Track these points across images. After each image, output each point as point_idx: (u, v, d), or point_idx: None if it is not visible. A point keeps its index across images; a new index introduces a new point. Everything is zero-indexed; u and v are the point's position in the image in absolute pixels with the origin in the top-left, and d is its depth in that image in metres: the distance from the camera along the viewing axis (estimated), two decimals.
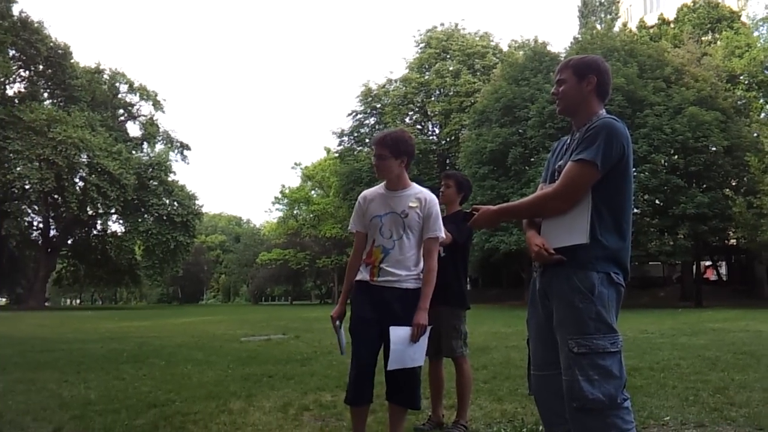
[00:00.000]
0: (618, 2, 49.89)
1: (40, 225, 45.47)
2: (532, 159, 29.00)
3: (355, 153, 47.47)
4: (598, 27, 39.82)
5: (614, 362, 2.42)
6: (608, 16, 46.52)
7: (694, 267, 31.97)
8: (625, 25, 43.19)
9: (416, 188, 3.56)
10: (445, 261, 4.26)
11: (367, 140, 49.17)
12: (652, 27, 41.35)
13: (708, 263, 39.64)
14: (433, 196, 3.58)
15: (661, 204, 27.18)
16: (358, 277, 3.50)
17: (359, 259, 3.53)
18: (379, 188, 3.61)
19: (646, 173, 25.87)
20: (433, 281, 3.45)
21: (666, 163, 26.77)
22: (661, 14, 42.63)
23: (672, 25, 39.66)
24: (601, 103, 2.67)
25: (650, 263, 34.72)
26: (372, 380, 3.42)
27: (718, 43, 35.88)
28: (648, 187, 26.01)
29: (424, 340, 3.37)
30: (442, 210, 4.67)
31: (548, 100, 25.05)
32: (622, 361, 2.46)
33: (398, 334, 3.28)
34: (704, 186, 27.65)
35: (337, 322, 3.47)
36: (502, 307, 27.71)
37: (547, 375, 2.62)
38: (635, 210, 27.85)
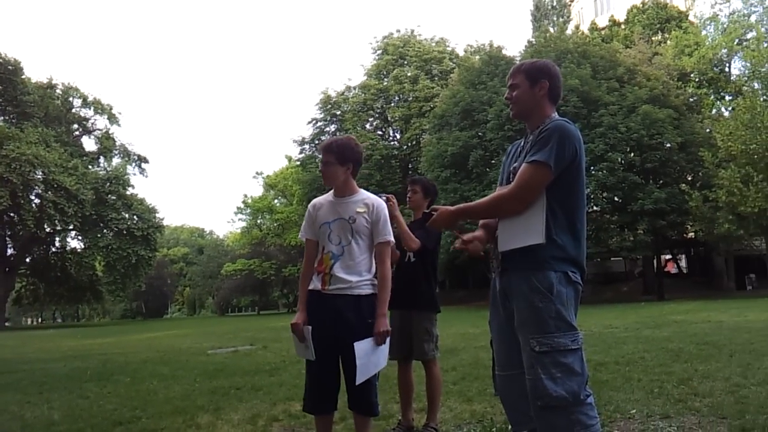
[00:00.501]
0: (569, 5, 50.87)
1: None
2: (493, 161, 29.30)
3: (317, 161, 47.28)
4: (551, 30, 40.48)
5: (576, 359, 2.46)
6: (560, 19, 47.40)
7: (655, 261, 32.68)
8: (577, 27, 44.03)
9: (364, 194, 3.57)
10: (414, 265, 4.36)
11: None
12: (603, 29, 42.24)
13: (668, 257, 40.56)
14: (381, 201, 3.59)
15: (620, 201, 27.71)
16: (310, 287, 3.48)
17: (311, 267, 3.52)
18: (328, 195, 3.61)
19: (604, 171, 26.37)
20: (389, 286, 3.46)
21: (623, 161, 27.34)
22: (612, 16, 43.56)
23: (623, 26, 40.57)
24: (553, 106, 2.73)
25: (612, 259, 35.37)
26: (331, 389, 3.42)
27: (668, 42, 36.83)
28: (606, 185, 26.51)
29: (385, 345, 3.38)
30: (409, 215, 4.71)
31: (505, 104, 25.33)
32: (583, 358, 2.50)
33: (362, 348, 3.26)
34: (661, 182, 28.31)
35: (304, 327, 3.40)
36: (469, 308, 27.89)
37: (511, 375, 2.66)
38: (595, 207, 28.41)
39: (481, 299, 32.45)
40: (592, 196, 27.82)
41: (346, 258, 3.41)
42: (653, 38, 37.32)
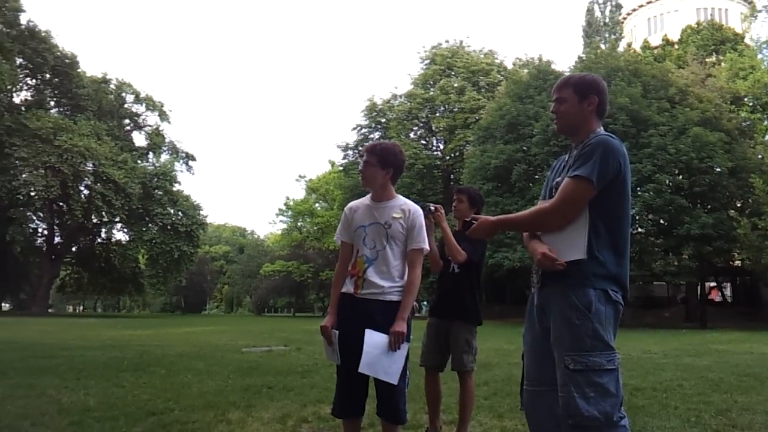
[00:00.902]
0: (622, 22, 50.22)
1: (45, 232, 45.55)
2: (536, 176, 29.03)
3: (360, 166, 47.55)
4: (603, 47, 39.99)
5: (611, 380, 2.41)
6: (612, 36, 46.81)
7: (699, 288, 31.85)
8: (629, 45, 43.42)
9: (401, 200, 3.58)
10: (459, 276, 4.39)
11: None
12: (656, 48, 41.56)
13: (713, 284, 39.47)
14: (418, 208, 3.59)
15: (666, 224, 27.13)
16: (343, 290, 3.50)
17: (345, 270, 3.54)
18: (365, 199, 3.64)
19: (651, 193, 25.85)
20: (415, 293, 3.46)
21: (670, 183, 26.77)
22: (665, 35, 42.84)
23: (676, 46, 39.87)
24: (599, 122, 2.69)
25: (655, 283, 34.60)
26: (360, 394, 3.43)
27: (722, 64, 36.04)
28: (652, 207, 25.98)
29: (401, 357, 3.31)
30: (454, 225, 4.70)
31: (552, 118, 25.14)
32: (619, 379, 2.45)
33: (373, 338, 3.26)
34: (709, 207, 27.61)
35: (334, 331, 3.41)
36: (505, 323, 27.59)
37: (539, 391, 2.62)
38: (640, 229, 27.86)
39: (517, 315, 32.10)
40: (637, 218, 27.28)
41: (380, 263, 3.42)
42: (707, 59, 36.54)
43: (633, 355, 11.48)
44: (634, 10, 53.05)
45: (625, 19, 52.96)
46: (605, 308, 2.47)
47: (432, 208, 3.82)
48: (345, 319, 3.42)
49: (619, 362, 2.48)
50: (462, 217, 4.52)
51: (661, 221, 27.37)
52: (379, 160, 3.49)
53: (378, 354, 3.27)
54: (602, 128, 2.69)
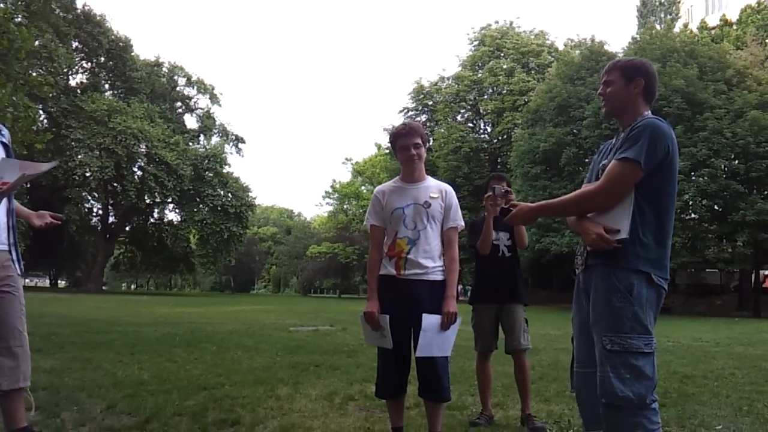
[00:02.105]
0: (679, 2, 48.55)
1: (100, 211, 46.93)
2: (586, 160, 28.46)
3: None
4: (658, 27, 38.79)
5: (647, 363, 2.44)
6: (668, 17, 45.35)
7: (753, 275, 30.91)
8: (685, 26, 41.98)
9: (433, 180, 3.64)
10: (511, 260, 4.47)
11: (424, 135, 49.06)
12: (713, 28, 40.10)
13: (767, 272, 38.26)
14: (451, 188, 3.67)
15: (720, 210, 26.33)
16: (382, 272, 3.51)
17: (380, 253, 3.55)
18: (393, 182, 3.67)
19: (705, 178, 25.11)
20: (457, 270, 3.52)
21: (726, 168, 25.94)
22: (724, 15, 41.28)
23: (734, 27, 38.37)
24: (647, 105, 2.68)
25: (707, 270, 33.73)
26: (404, 373, 3.48)
27: None
28: (707, 192, 25.24)
29: (452, 331, 3.41)
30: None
31: (600, 101, 24.64)
32: (654, 363, 2.48)
33: (430, 321, 3.33)
34: (765, 192, 26.67)
35: (382, 316, 3.41)
36: (552, 309, 27.36)
37: (588, 372, 2.65)
38: (693, 215, 27.13)
39: (563, 300, 31.78)
40: (690, 203, 26.54)
41: (422, 243, 3.45)
42: (767, 40, 35.10)
43: (684, 343, 11.27)
44: None
45: None
46: (647, 292, 2.48)
47: (503, 190, 3.82)
48: (389, 301, 3.44)
49: (656, 347, 2.50)
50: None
51: (716, 207, 26.56)
52: (423, 140, 3.56)
53: (432, 335, 3.33)
54: (650, 112, 2.67)
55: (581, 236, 2.65)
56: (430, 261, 3.44)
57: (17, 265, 3.22)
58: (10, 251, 3.19)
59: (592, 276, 2.59)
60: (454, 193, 3.62)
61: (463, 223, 3.60)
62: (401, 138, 3.53)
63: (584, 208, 2.64)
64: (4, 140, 3.27)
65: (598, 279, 2.55)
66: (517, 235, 4.40)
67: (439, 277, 3.46)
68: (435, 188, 3.55)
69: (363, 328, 3.55)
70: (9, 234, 3.19)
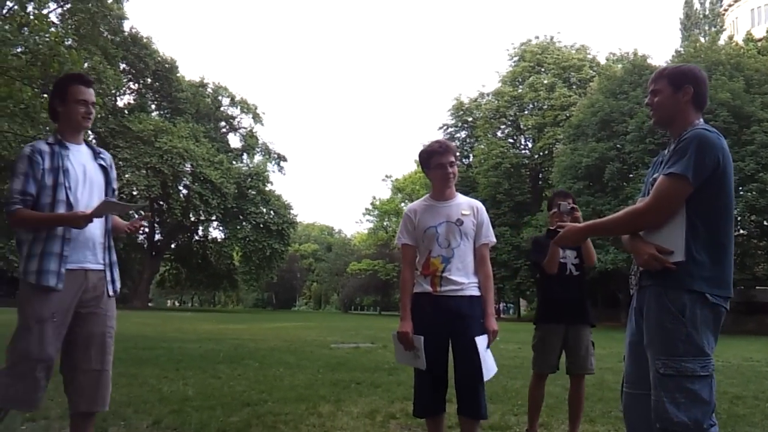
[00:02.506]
0: (723, 14, 47.65)
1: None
2: (631, 175, 28.02)
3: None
4: (702, 40, 38.05)
5: (703, 386, 2.35)
6: (712, 29, 44.41)
7: None
8: (730, 38, 41.06)
9: (464, 197, 3.66)
10: (579, 279, 4.38)
11: (457, 153, 48.85)
12: (759, 40, 39.13)
13: None
14: (481, 204, 3.67)
15: None
16: (417, 290, 3.51)
17: (413, 272, 3.55)
18: (424, 200, 3.68)
19: (754, 192, 24.45)
20: (493, 286, 3.55)
21: None
22: None
23: None
24: (698, 113, 2.60)
25: (757, 288, 32.68)
26: (441, 391, 3.47)
27: None
28: (755, 208, 24.56)
29: (489, 349, 3.45)
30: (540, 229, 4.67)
31: (648, 115, 24.26)
32: (712, 386, 2.38)
33: (482, 342, 3.34)
34: None
35: (417, 336, 3.40)
36: (597, 327, 26.80)
37: (636, 394, 2.59)
38: (742, 231, 26.39)
39: (609, 319, 31.20)
40: (739, 219, 25.83)
41: (457, 260, 3.45)
42: None
43: (733, 362, 10.94)
44: (736, 0, 50.31)
45: (726, 10, 50.28)
46: (701, 312, 2.39)
47: (569, 207, 3.76)
48: (426, 318, 3.43)
49: (714, 369, 2.41)
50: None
51: (765, 222, 25.83)
52: (456, 160, 3.59)
53: (485, 356, 3.35)
54: (702, 120, 2.59)
55: (634, 256, 2.60)
56: (465, 278, 3.45)
57: (111, 286, 3.24)
58: (105, 271, 3.22)
59: (645, 296, 2.53)
60: (484, 209, 3.64)
61: (494, 239, 3.63)
62: (437, 156, 3.53)
63: (634, 227, 2.58)
64: (104, 164, 3.33)
65: (651, 299, 2.48)
66: (584, 253, 4.28)
67: (475, 292, 3.46)
68: (466, 205, 3.57)
69: (395, 348, 3.54)
70: (105, 254, 3.24)
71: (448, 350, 3.41)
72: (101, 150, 3.39)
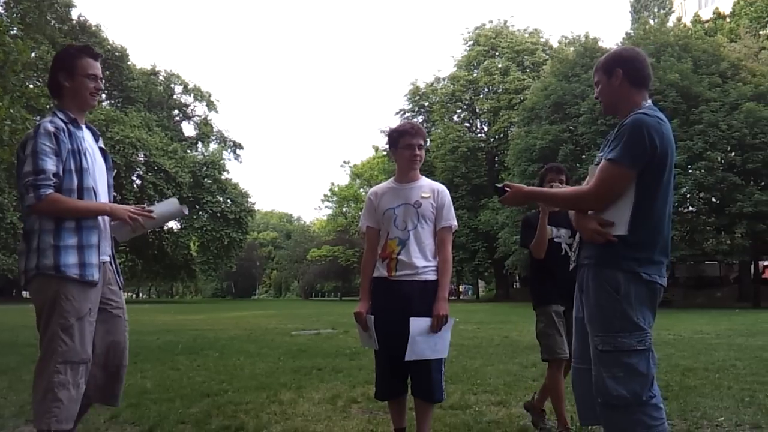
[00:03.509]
0: None
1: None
2: (583, 156, 28.52)
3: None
4: (651, 22, 38.81)
5: (641, 360, 2.44)
6: (661, 11, 45.36)
7: (752, 267, 30.95)
8: (679, 19, 42.05)
9: (426, 180, 3.62)
10: (563, 258, 4.00)
11: (427, 140, 49.19)
12: (707, 21, 40.18)
13: (766, 263, 38.29)
14: (444, 187, 3.62)
15: (718, 202, 26.40)
16: (375, 274, 3.52)
17: (374, 255, 3.55)
18: (388, 183, 3.67)
19: (702, 171, 25.17)
20: (450, 270, 3.50)
21: (722, 161, 25.98)
22: (717, 8, 41.37)
23: (728, 20, 38.47)
24: (640, 91, 2.64)
25: (706, 262, 33.75)
26: (401, 375, 3.46)
27: None
28: (704, 185, 25.30)
29: (447, 332, 3.39)
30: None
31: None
32: (650, 359, 2.47)
33: (418, 324, 3.30)
34: (762, 184, 26.73)
35: (369, 316, 3.46)
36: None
37: (583, 368, 2.66)
38: (691, 208, 27.17)
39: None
40: (688, 196, 26.60)
41: (413, 243, 3.43)
42: (761, 32, 35.12)
43: (685, 335, 11.29)
44: None
45: None
46: (636, 289, 2.47)
47: (563, 186, 3.72)
48: (381, 302, 3.46)
49: (651, 342, 2.49)
50: None
51: (713, 199, 26.62)
52: (425, 142, 3.58)
53: (423, 339, 3.31)
54: (647, 101, 2.63)
55: (580, 231, 2.67)
56: (422, 260, 3.42)
57: (119, 278, 3.15)
58: (112, 263, 3.10)
59: (584, 275, 2.62)
60: (447, 192, 3.59)
61: (455, 223, 3.56)
62: (408, 136, 3.50)
63: (576, 208, 2.69)
64: (104, 146, 3.17)
65: (588, 277, 2.57)
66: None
67: (431, 276, 3.44)
68: (427, 188, 3.54)
69: (357, 329, 3.59)
70: (112, 244, 3.12)
71: (403, 334, 3.37)
72: (99, 132, 3.21)
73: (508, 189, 2.72)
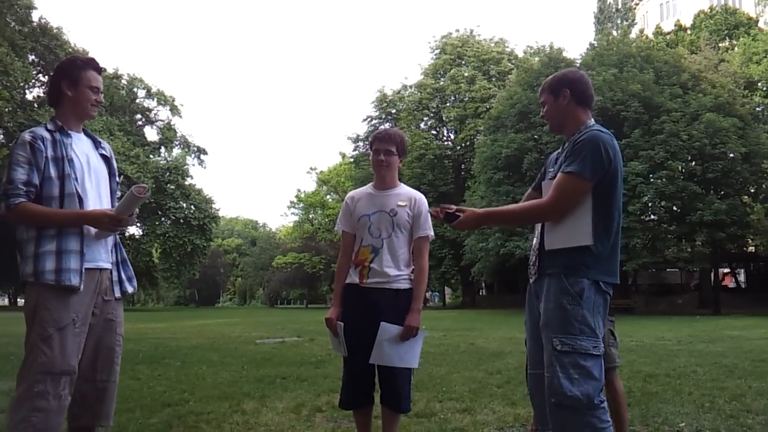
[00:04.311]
0: (634, 9, 49.73)
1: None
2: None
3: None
4: (614, 33, 39.63)
5: (595, 365, 2.51)
6: (624, 23, 46.34)
7: (712, 274, 31.70)
8: (641, 31, 43.02)
9: (404, 188, 3.56)
10: None
11: (401, 146, 49.30)
12: (668, 33, 41.22)
13: (726, 270, 39.27)
14: (422, 196, 3.56)
15: (678, 210, 26.99)
16: (347, 281, 3.46)
17: (348, 260, 3.49)
18: (366, 188, 3.62)
19: (663, 180, 25.71)
20: (425, 281, 3.45)
21: (683, 170, 26.61)
22: (678, 20, 42.49)
23: (689, 32, 39.54)
24: (585, 111, 2.75)
25: (668, 270, 34.47)
26: (367, 384, 3.41)
27: (736, 49, 35.70)
28: (665, 194, 25.85)
29: (417, 343, 3.36)
30: None
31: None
32: (602, 366, 2.55)
33: (388, 330, 3.27)
34: (722, 193, 27.43)
35: (339, 323, 3.41)
36: (518, 312, 27.59)
37: (539, 374, 2.70)
38: (652, 216, 27.74)
39: None
40: (650, 205, 27.14)
41: (386, 252, 3.38)
42: (720, 44, 36.21)
43: (646, 342, 11.46)
44: None
45: (637, 5, 52.47)
46: (595, 298, 2.56)
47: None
48: (351, 309, 3.40)
49: (603, 351, 2.58)
50: None
51: (674, 208, 27.22)
52: (398, 149, 3.49)
53: (389, 345, 3.27)
54: (592, 120, 2.74)
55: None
56: (394, 270, 3.37)
57: (118, 287, 3.01)
58: (112, 270, 2.99)
59: (543, 281, 2.67)
60: (425, 201, 3.53)
61: (432, 233, 3.50)
62: (377, 141, 3.49)
63: (534, 221, 2.75)
64: (105, 153, 3.12)
65: (551, 284, 2.61)
66: None
67: (403, 285, 3.39)
68: (405, 196, 3.48)
69: (329, 335, 3.54)
70: (114, 251, 3.02)
71: (373, 342, 3.34)
72: (101, 140, 3.17)
73: (460, 214, 2.70)
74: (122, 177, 39.11)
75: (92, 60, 3.07)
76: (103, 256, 2.93)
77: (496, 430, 4.31)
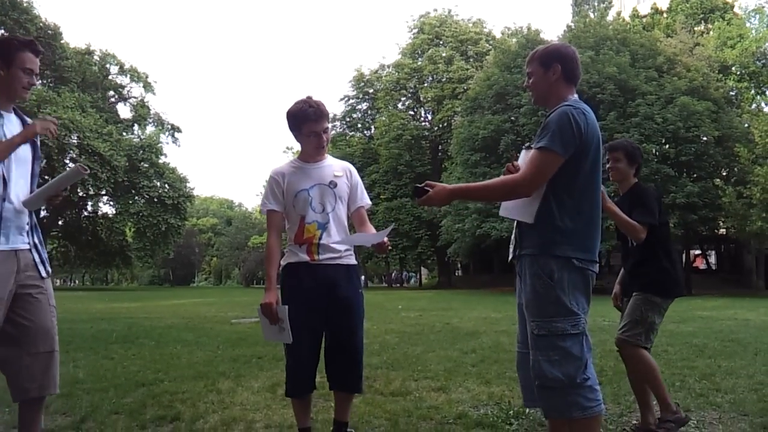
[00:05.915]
0: None
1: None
2: (524, 146, 29.06)
3: (347, 138, 47.57)
4: (591, 15, 39.77)
5: (575, 343, 2.52)
6: (601, 5, 46.49)
7: (684, 255, 32.19)
8: (618, 14, 43.20)
9: (333, 158, 3.47)
10: (640, 247, 3.88)
11: (359, 125, 49.01)
12: (645, 16, 41.42)
13: (698, 252, 39.95)
14: (353, 167, 3.52)
15: None
16: (292, 260, 3.29)
17: (279, 240, 3.36)
18: (292, 163, 3.44)
19: None
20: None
21: (657, 153, 26.87)
22: (654, 4, 42.67)
23: (665, 15, 39.75)
24: (570, 88, 2.74)
25: None
26: (314, 370, 3.30)
27: (711, 33, 35.99)
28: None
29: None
30: (613, 190, 4.34)
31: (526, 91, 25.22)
32: (584, 343, 2.55)
33: (361, 236, 3.37)
34: (695, 175, 27.79)
35: (281, 306, 3.15)
36: (493, 292, 27.81)
37: (524, 353, 2.74)
38: None
39: (504, 284, 32.42)
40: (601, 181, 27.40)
41: (333, 226, 3.27)
42: (696, 28, 36.44)
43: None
44: None
45: None
46: (569, 276, 2.55)
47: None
48: (305, 283, 3.23)
49: (585, 327, 2.57)
50: (623, 178, 3.97)
51: None
52: (329, 123, 3.43)
53: (361, 238, 3.38)
54: (575, 96, 2.72)
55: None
56: (342, 245, 3.29)
57: (42, 267, 2.99)
58: (32, 251, 2.96)
59: (522, 262, 2.69)
60: (356, 171, 3.48)
61: (370, 202, 3.48)
62: (311, 123, 3.25)
63: (508, 196, 2.70)
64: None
65: (526, 266, 2.64)
66: (624, 228, 3.87)
67: (352, 261, 3.34)
68: (339, 167, 3.38)
69: (261, 323, 3.26)
70: (32, 233, 2.99)
71: (325, 323, 3.25)
72: (28, 119, 3.10)
73: (429, 189, 2.62)
74: (96, 156, 38.61)
75: (32, 42, 3.01)
76: (19, 238, 2.93)
77: (471, 408, 4.34)
